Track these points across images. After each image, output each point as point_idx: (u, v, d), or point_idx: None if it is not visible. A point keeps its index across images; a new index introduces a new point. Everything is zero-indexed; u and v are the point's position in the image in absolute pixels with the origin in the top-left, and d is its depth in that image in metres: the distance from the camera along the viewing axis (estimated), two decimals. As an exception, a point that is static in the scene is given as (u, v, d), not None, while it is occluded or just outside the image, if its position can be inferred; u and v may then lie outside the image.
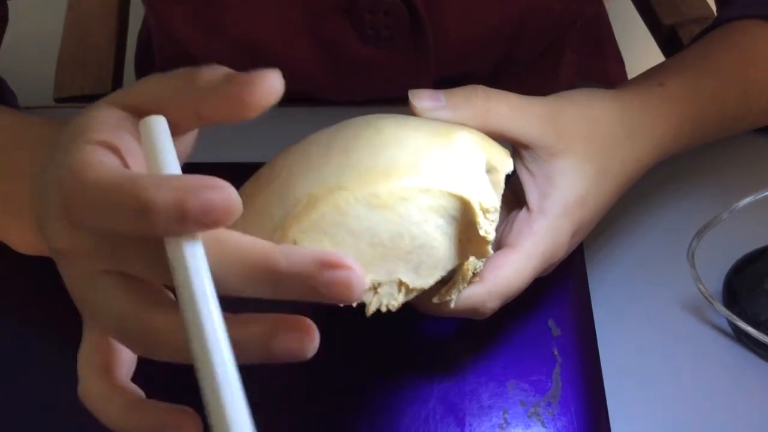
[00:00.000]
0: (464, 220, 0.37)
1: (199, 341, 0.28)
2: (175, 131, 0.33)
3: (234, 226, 0.36)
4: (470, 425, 0.42)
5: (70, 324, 0.47)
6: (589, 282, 0.49)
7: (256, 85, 0.32)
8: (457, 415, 0.42)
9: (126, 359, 0.35)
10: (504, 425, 0.42)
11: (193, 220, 0.28)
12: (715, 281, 0.50)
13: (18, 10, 0.61)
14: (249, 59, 0.60)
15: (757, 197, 0.48)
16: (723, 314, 0.47)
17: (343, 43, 0.59)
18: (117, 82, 0.77)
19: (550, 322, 0.46)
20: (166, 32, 0.69)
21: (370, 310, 0.36)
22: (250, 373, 0.44)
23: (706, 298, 0.47)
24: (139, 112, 0.35)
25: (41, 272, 0.45)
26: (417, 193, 0.36)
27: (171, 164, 0.32)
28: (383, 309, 0.36)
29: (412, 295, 0.37)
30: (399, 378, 0.44)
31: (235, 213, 0.29)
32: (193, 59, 0.63)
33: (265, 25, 0.58)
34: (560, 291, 0.47)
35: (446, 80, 0.63)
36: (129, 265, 0.32)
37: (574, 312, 0.47)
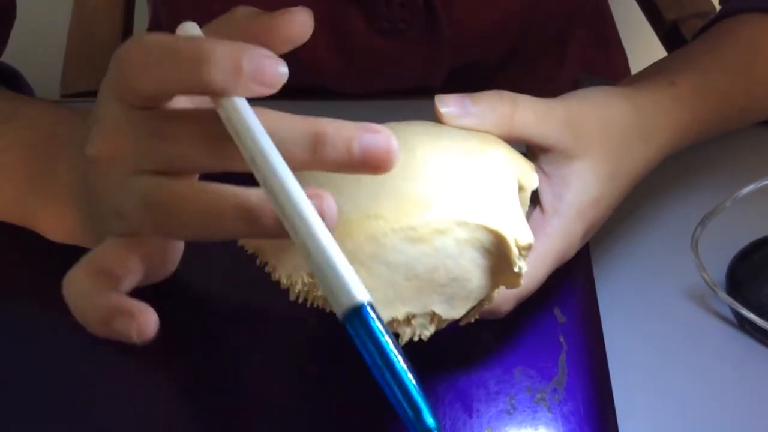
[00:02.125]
0: (498, 254, 0.37)
1: (279, 189, 0.30)
2: None
3: (263, 240, 0.36)
4: (477, 411, 0.42)
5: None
6: (593, 270, 0.50)
7: (287, 18, 0.34)
8: (465, 401, 0.43)
9: (127, 276, 0.35)
10: (511, 411, 0.43)
11: (247, 77, 0.30)
12: (718, 270, 0.50)
13: (25, 6, 0.62)
14: None
15: (759, 185, 0.48)
16: (726, 302, 0.47)
17: (358, 36, 0.59)
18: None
19: (556, 310, 0.47)
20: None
21: (404, 341, 0.36)
22: (259, 366, 0.45)
23: (709, 286, 0.47)
24: None
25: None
26: (454, 226, 0.36)
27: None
28: (415, 338, 0.36)
29: (443, 325, 0.37)
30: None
31: (281, 82, 0.31)
32: None
33: None
34: (565, 279, 0.47)
35: (457, 71, 0.63)
36: (171, 150, 0.33)
37: (579, 300, 0.47)
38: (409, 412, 0.27)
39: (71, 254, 0.36)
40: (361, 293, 0.28)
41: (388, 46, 0.59)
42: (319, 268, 0.28)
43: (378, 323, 0.28)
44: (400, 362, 0.28)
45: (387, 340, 0.28)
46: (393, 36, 0.59)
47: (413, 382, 0.28)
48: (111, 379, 0.44)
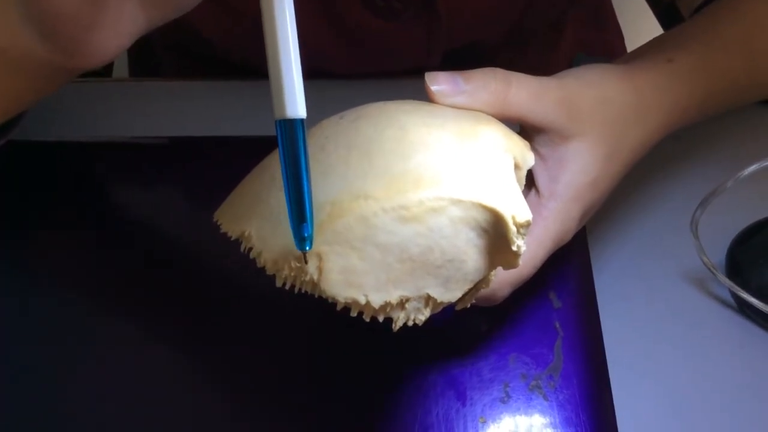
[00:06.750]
0: (495, 233, 0.35)
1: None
2: None
3: (247, 225, 0.35)
4: (471, 399, 0.42)
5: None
6: (590, 253, 0.49)
7: None
8: (458, 388, 0.42)
9: None
10: (505, 398, 0.42)
11: None
12: (718, 252, 0.49)
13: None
14: (259, 34, 0.59)
15: (761, 165, 0.47)
16: (726, 285, 0.46)
17: (353, 17, 0.58)
18: (108, 65, 0.76)
19: (551, 295, 0.46)
20: None
21: (398, 326, 0.35)
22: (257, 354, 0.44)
23: (709, 269, 0.47)
24: None
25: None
26: (448, 204, 0.34)
27: None
28: (410, 323, 0.35)
29: (438, 309, 0.35)
30: (399, 352, 0.43)
31: None
32: (198, 37, 0.62)
33: None
34: (561, 263, 0.46)
35: (454, 51, 0.62)
36: None
37: (575, 284, 0.46)
38: (295, 218, 0.32)
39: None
40: (301, 111, 0.32)
41: (384, 27, 0.58)
42: (274, 74, 0.31)
43: (304, 141, 0.32)
44: (306, 176, 0.32)
45: (304, 155, 0.32)
46: (389, 17, 0.58)
47: (309, 196, 0.32)
48: (109, 376, 0.44)
